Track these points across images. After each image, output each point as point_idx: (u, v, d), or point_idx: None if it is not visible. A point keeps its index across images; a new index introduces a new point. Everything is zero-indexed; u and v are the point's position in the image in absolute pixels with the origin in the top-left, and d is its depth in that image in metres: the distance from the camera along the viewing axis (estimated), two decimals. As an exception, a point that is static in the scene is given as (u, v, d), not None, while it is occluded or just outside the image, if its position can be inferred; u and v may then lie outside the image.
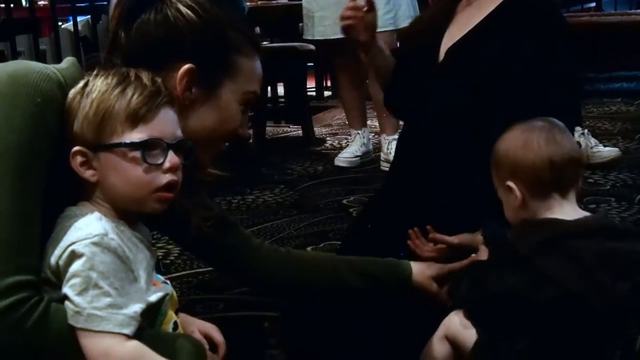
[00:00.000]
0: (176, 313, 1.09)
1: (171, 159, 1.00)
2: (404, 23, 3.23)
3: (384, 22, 3.41)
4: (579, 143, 3.31)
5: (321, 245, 2.43)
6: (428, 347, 1.29)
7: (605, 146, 3.34)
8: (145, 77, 1.02)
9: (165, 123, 1.01)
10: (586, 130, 3.34)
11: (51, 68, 1.04)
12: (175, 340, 1.01)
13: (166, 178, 1.00)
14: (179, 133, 1.03)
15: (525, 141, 1.19)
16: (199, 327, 1.19)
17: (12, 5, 3.83)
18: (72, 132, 0.99)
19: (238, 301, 2.02)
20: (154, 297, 1.00)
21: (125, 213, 1.02)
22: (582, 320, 1.12)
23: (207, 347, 1.13)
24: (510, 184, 1.20)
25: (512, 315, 1.15)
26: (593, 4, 7.14)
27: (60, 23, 4.40)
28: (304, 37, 3.59)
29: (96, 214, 0.97)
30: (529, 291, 1.13)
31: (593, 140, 3.31)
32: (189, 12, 1.11)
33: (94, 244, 0.93)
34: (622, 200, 2.73)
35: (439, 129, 1.52)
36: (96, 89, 0.99)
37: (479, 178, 1.30)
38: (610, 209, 2.62)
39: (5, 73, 1.00)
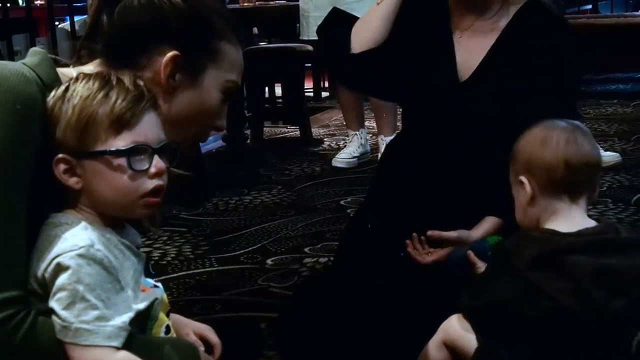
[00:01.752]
0: (168, 315, 1.08)
1: (156, 163, 0.98)
2: None
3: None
4: None
5: (318, 245, 2.42)
6: (425, 353, 1.28)
7: (602, 148, 3.34)
8: (127, 80, 0.99)
9: (149, 127, 0.99)
10: None
11: (26, 68, 0.99)
12: (166, 344, 1.00)
13: (152, 183, 0.98)
14: (162, 136, 1.01)
15: (544, 138, 1.18)
16: (193, 329, 1.18)
17: (8, 4, 3.82)
18: (54, 139, 0.96)
19: (235, 302, 2.01)
20: (142, 305, 0.98)
21: (112, 219, 1.00)
22: (579, 334, 1.11)
23: (202, 348, 1.12)
24: (523, 178, 1.19)
25: (510, 325, 1.15)
26: (589, 7, 7.16)
27: (57, 23, 4.39)
28: (301, 37, 3.58)
29: (82, 224, 0.95)
30: (524, 304, 1.12)
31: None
32: None
33: (80, 256, 0.91)
34: (619, 201, 2.72)
35: (467, 143, 1.52)
36: (77, 94, 0.96)
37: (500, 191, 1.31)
38: (607, 210, 2.62)
39: None
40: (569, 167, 1.15)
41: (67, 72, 1.06)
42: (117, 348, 0.91)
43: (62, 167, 0.96)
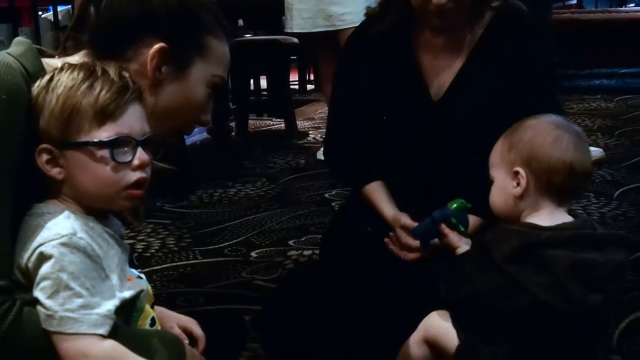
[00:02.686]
0: (152, 307, 1.08)
1: (140, 156, 0.97)
2: None
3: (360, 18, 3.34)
4: None
5: (303, 238, 2.42)
6: (404, 350, 1.27)
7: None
8: (112, 71, 0.99)
9: (134, 119, 0.98)
10: None
11: (11, 58, 0.99)
12: (152, 337, 1.00)
13: (135, 175, 0.97)
14: (146, 128, 1.00)
15: (556, 138, 1.16)
16: (177, 322, 1.18)
17: (-10, -6, 3.78)
18: (37, 129, 0.96)
19: (219, 295, 2.01)
20: (127, 294, 0.98)
21: (94, 210, 1.00)
22: (557, 328, 1.12)
23: (186, 341, 1.12)
24: (520, 170, 1.17)
25: (490, 319, 1.15)
26: (574, 1, 7.18)
27: (40, 13, 4.34)
28: (285, 29, 3.56)
29: (65, 213, 0.95)
30: (502, 297, 1.13)
31: None
32: None
33: (63, 244, 0.91)
34: (601, 196, 2.74)
35: (446, 155, 1.51)
36: (62, 84, 0.96)
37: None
38: (590, 204, 2.64)
39: None
40: (572, 174, 1.15)
41: (52, 63, 1.05)
42: (103, 336, 0.91)
43: (44, 157, 0.95)
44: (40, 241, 0.91)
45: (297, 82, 5.56)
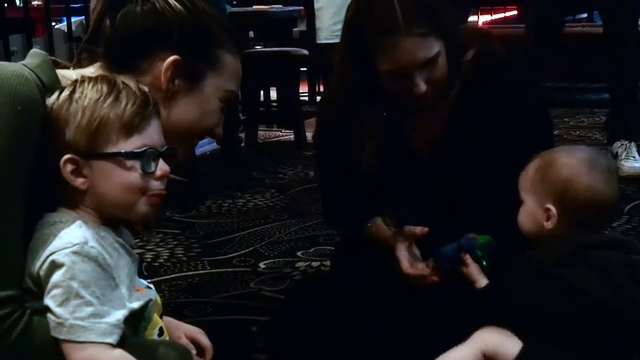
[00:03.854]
0: (161, 317, 1.08)
1: (162, 166, 1.01)
2: None
3: (331, 34, 3.30)
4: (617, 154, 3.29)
5: (311, 250, 2.42)
6: None
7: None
8: (133, 85, 1.02)
9: (155, 132, 1.02)
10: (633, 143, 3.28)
11: (26, 69, 1.01)
12: (159, 347, 1.00)
13: (157, 185, 1.01)
14: (163, 140, 1.04)
15: (591, 180, 1.19)
16: (185, 332, 1.18)
17: (6, 4, 3.82)
18: (59, 140, 0.98)
19: (226, 305, 2.01)
20: (136, 304, 0.99)
21: (109, 219, 1.01)
22: (608, 330, 1.13)
23: (194, 351, 1.12)
24: (552, 208, 1.21)
25: (545, 324, 1.16)
26: (585, 15, 7.18)
27: (54, 23, 4.39)
28: (317, 41, 3.56)
29: (77, 223, 0.96)
30: (557, 303, 1.14)
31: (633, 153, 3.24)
32: (177, 4, 1.10)
33: (74, 252, 0.92)
34: (611, 210, 2.73)
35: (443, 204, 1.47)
36: (86, 96, 0.98)
37: None
38: (599, 218, 2.63)
39: None
40: (603, 212, 1.21)
41: (67, 74, 1.08)
42: (112, 345, 0.91)
43: (69, 167, 0.97)
44: (52, 249, 0.93)
45: (306, 94, 5.57)
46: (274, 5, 4.91)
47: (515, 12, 6.56)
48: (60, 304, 0.91)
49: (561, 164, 1.22)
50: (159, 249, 2.46)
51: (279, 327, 1.59)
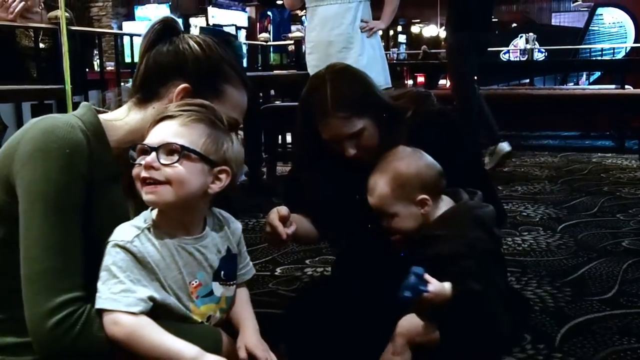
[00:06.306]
0: (224, 313, 1.06)
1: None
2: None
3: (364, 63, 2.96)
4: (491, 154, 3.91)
5: (317, 258, 2.41)
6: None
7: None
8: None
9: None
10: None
11: (74, 118, 0.99)
12: (191, 326, 0.98)
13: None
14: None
15: (426, 161, 1.26)
16: (247, 343, 1.05)
17: (87, 69, 3.89)
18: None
19: (251, 301, 1.99)
20: (171, 300, 0.97)
21: (188, 223, 1.01)
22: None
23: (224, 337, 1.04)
24: (424, 196, 1.24)
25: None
26: (527, 80, 7.26)
27: (122, 83, 4.45)
28: None
29: (135, 227, 0.96)
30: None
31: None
32: (196, 46, 1.07)
33: (118, 245, 0.94)
34: (548, 229, 2.73)
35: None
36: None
37: None
38: (539, 236, 2.63)
39: (39, 130, 0.95)
40: (441, 174, 1.27)
41: (106, 117, 1.07)
42: (135, 314, 0.91)
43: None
44: (109, 240, 0.95)
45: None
46: (290, 70, 4.98)
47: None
48: (103, 282, 0.92)
49: (405, 166, 1.25)
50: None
51: (291, 318, 1.59)
